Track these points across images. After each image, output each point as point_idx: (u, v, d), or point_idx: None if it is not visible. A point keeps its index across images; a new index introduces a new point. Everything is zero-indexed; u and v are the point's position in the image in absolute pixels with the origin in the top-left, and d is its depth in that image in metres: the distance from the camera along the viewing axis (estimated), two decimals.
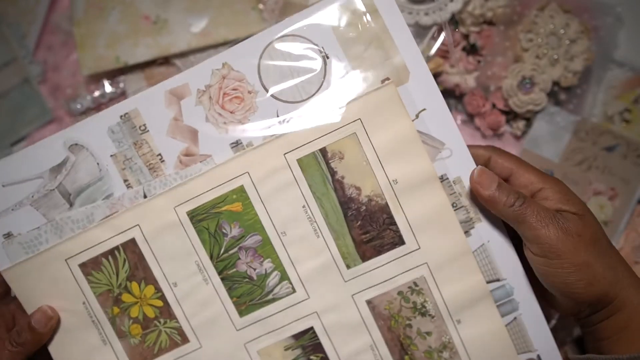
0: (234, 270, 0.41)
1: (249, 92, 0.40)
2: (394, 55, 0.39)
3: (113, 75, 0.58)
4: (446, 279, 0.40)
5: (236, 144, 0.40)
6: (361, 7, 0.39)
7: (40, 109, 0.59)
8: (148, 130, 0.40)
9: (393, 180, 0.39)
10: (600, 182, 0.57)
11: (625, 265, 0.37)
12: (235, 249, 0.41)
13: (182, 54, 0.58)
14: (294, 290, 0.41)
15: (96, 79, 0.58)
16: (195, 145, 0.40)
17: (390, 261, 0.40)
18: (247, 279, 0.41)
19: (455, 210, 0.40)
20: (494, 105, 0.58)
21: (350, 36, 0.39)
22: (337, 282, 0.41)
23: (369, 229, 0.40)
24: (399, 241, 0.40)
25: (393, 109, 0.39)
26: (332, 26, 0.39)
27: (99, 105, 0.59)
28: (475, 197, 0.39)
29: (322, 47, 0.40)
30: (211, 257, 0.41)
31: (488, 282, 0.40)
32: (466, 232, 0.40)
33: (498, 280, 0.40)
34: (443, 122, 0.39)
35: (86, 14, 0.57)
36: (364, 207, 0.40)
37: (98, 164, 0.40)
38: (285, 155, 0.39)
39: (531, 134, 0.58)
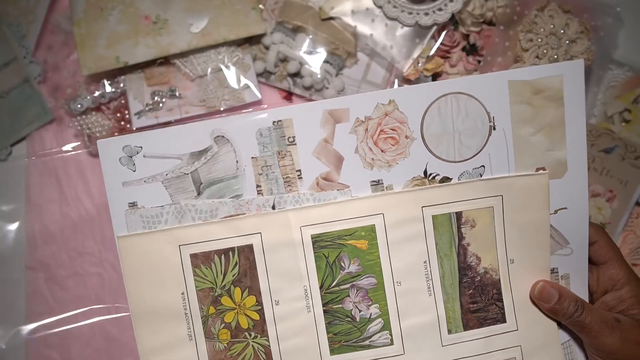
0: (340, 306, 0.41)
1: (406, 137, 0.40)
2: (559, 148, 0.40)
3: (113, 75, 0.58)
4: None
5: (377, 183, 0.40)
6: (547, 90, 0.39)
7: (40, 109, 0.59)
8: (295, 143, 0.40)
9: (510, 260, 0.41)
10: (599, 184, 0.57)
11: None
12: (348, 286, 0.40)
13: (182, 54, 0.58)
14: (391, 343, 0.41)
15: (96, 79, 0.58)
16: (337, 172, 0.40)
17: (489, 336, 0.41)
18: (349, 318, 0.41)
19: None
20: None
21: (524, 115, 0.40)
22: (435, 344, 0.41)
23: (478, 299, 0.41)
24: (501, 318, 0.41)
25: (537, 199, 0.40)
26: (511, 99, 0.39)
27: (99, 106, 0.59)
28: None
29: (494, 117, 0.40)
30: (321, 287, 0.40)
31: None
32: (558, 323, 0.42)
33: None
34: (577, 225, 0.40)
35: (86, 14, 0.57)
36: (479, 278, 0.41)
37: (237, 162, 0.40)
38: (423, 208, 0.40)
39: None
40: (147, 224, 0.39)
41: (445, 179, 0.40)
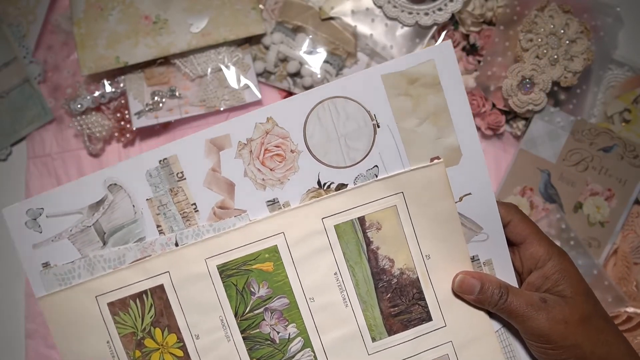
0: (257, 330, 0.40)
1: (292, 151, 0.39)
2: (448, 134, 0.38)
3: (113, 75, 0.58)
4: (469, 358, 0.40)
5: (272, 202, 0.40)
6: (423, 79, 0.38)
7: (40, 109, 0.59)
8: (185, 178, 0.39)
9: (426, 256, 0.40)
10: (597, 183, 0.57)
11: (620, 338, 0.39)
12: (261, 310, 0.40)
13: (182, 54, 0.58)
14: (315, 359, 0.40)
15: (96, 79, 0.58)
16: (231, 199, 0.40)
17: (416, 337, 0.40)
18: (269, 342, 0.40)
19: None
20: (494, 105, 0.58)
21: (405, 107, 0.38)
22: (361, 354, 0.40)
23: (398, 302, 0.40)
24: (427, 317, 0.40)
25: (438, 189, 0.39)
26: (388, 93, 0.38)
27: (99, 106, 0.59)
28: None
29: (375, 115, 0.39)
30: (235, 315, 0.40)
31: None
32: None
33: None
34: (486, 208, 0.39)
35: (86, 14, 0.57)
36: (395, 280, 0.40)
37: (134, 206, 0.40)
38: (323, 220, 0.39)
39: (528, 134, 0.58)
40: (62, 281, 0.40)
41: (341, 186, 0.39)
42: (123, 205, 0.40)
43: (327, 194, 0.39)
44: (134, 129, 0.57)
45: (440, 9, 0.57)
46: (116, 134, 0.59)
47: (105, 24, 0.57)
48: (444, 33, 0.58)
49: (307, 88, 0.59)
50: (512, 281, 0.40)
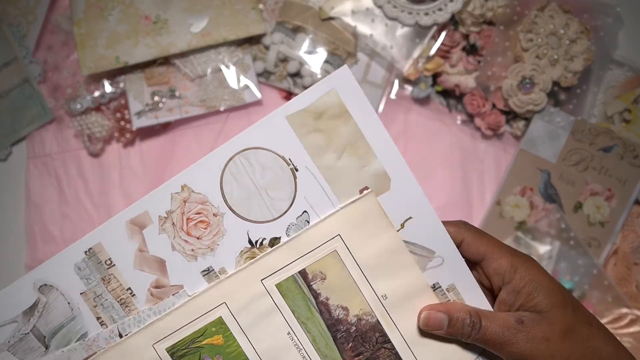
0: None
1: (215, 215, 0.37)
2: (371, 161, 0.36)
3: (113, 75, 0.58)
4: None
5: (208, 272, 0.38)
6: (329, 111, 0.36)
7: (40, 109, 0.59)
8: (114, 264, 0.38)
9: (382, 296, 0.37)
10: (597, 183, 0.57)
11: (607, 339, 0.37)
12: None
13: (182, 54, 0.58)
14: None
15: (96, 79, 0.58)
16: (165, 276, 0.38)
17: None
18: None
19: None
20: (494, 105, 0.58)
21: (319, 144, 0.36)
22: None
23: (362, 349, 0.38)
24: (396, 359, 0.38)
25: (375, 221, 0.36)
26: (297, 133, 0.36)
27: (99, 106, 0.59)
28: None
29: (290, 159, 0.37)
30: None
31: None
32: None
33: None
34: (432, 229, 0.37)
35: (86, 14, 0.57)
36: (353, 328, 0.38)
37: (69, 303, 0.38)
38: (263, 281, 0.37)
39: (528, 134, 0.58)
40: None
41: (274, 240, 0.37)
42: (58, 304, 0.38)
43: (262, 252, 0.37)
44: (134, 129, 0.57)
45: (440, 9, 0.57)
46: (116, 134, 0.59)
47: (105, 24, 0.57)
48: (444, 33, 0.58)
49: (307, 88, 0.59)
50: (483, 302, 0.38)
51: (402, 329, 0.38)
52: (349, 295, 0.37)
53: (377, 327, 0.38)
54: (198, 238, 0.38)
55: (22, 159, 0.60)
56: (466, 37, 0.58)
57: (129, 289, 0.39)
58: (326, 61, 0.58)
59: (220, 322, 0.38)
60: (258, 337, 0.38)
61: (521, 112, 0.57)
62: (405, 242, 0.37)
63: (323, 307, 0.38)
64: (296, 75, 0.59)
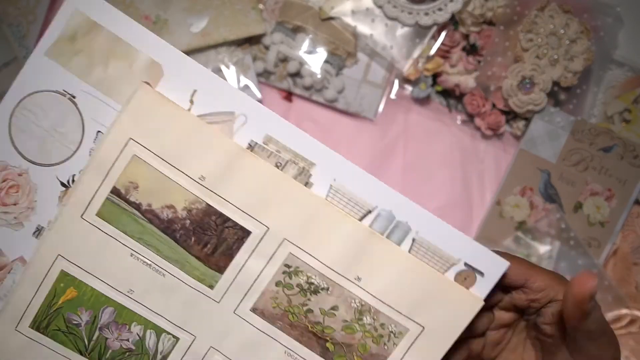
0: (110, 352, 0.38)
1: (20, 175, 0.37)
2: (136, 57, 0.35)
3: None
4: (315, 241, 0.36)
5: (38, 231, 0.37)
6: (80, 30, 0.36)
7: None
8: None
9: (200, 178, 0.36)
10: (597, 183, 0.57)
11: None
12: (97, 333, 0.38)
13: None
14: (177, 338, 0.38)
15: None
16: (3, 255, 0.38)
17: (248, 258, 0.36)
18: (127, 353, 0.38)
19: (282, 169, 0.35)
20: (494, 105, 0.58)
21: (83, 64, 0.36)
22: (212, 307, 0.37)
23: (206, 238, 0.37)
24: (244, 233, 0.36)
25: (160, 109, 0.35)
26: (60, 63, 0.36)
27: None
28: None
29: (64, 90, 0.36)
30: (81, 353, 0.38)
31: (361, 219, 0.35)
32: (307, 184, 0.35)
33: (369, 212, 0.36)
34: (222, 92, 0.35)
35: None
36: (188, 222, 0.36)
37: None
38: (83, 217, 0.36)
39: (528, 134, 0.58)
40: None
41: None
42: None
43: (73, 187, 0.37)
44: None
45: (440, 9, 0.57)
46: None
47: None
48: (444, 33, 0.58)
49: (307, 88, 0.59)
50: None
51: (235, 201, 0.36)
52: (168, 192, 0.36)
53: (209, 210, 0.36)
54: (15, 204, 0.37)
55: None
56: (466, 37, 0.58)
57: None
58: (326, 61, 0.58)
59: (64, 275, 0.37)
60: (106, 272, 0.37)
61: (521, 112, 0.57)
62: (200, 116, 0.35)
63: (150, 215, 0.36)
64: (296, 75, 0.59)
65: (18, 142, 0.37)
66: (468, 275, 0.36)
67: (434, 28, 0.58)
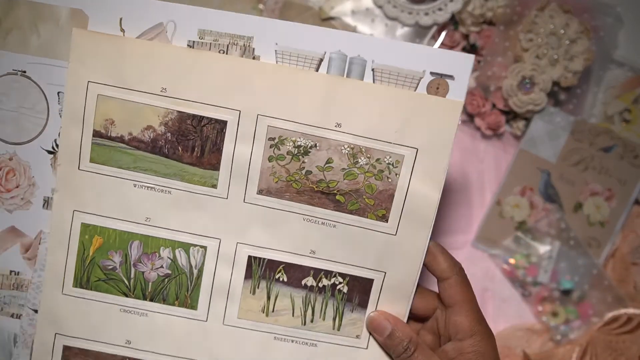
0: (150, 284, 0.40)
1: (10, 159, 0.40)
2: (58, 12, 0.38)
3: None
4: (286, 106, 0.38)
5: (46, 202, 0.40)
6: (0, 12, 0.38)
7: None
8: None
9: (162, 91, 0.38)
10: (597, 183, 0.57)
11: None
12: (133, 270, 0.39)
13: None
14: (204, 247, 0.39)
15: None
16: (25, 236, 0.41)
17: (234, 146, 0.38)
18: (166, 279, 0.40)
19: (227, 53, 0.38)
20: (494, 105, 0.58)
21: (18, 39, 0.39)
22: (222, 205, 0.39)
23: (191, 142, 0.38)
24: (221, 124, 0.38)
25: (101, 45, 0.38)
26: None
27: None
28: None
29: (13, 69, 0.39)
30: (126, 295, 0.40)
31: (317, 70, 0.38)
32: (255, 58, 0.38)
33: (321, 60, 0.38)
34: (145, 9, 0.38)
35: None
36: (169, 134, 0.38)
37: None
38: (80, 168, 0.39)
39: (528, 134, 0.58)
40: None
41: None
42: None
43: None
44: None
45: (440, 9, 0.57)
46: None
47: None
48: (444, 33, 0.58)
49: None
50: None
51: (199, 99, 0.38)
52: (141, 115, 0.38)
53: (182, 116, 0.38)
54: (17, 187, 0.40)
55: None
56: (466, 37, 0.58)
57: (11, 271, 0.41)
58: None
59: (85, 227, 0.39)
60: (120, 210, 0.39)
61: (521, 112, 0.57)
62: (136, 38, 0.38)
63: (135, 142, 0.38)
64: None
65: None
66: (439, 83, 0.37)
67: (434, 28, 0.58)
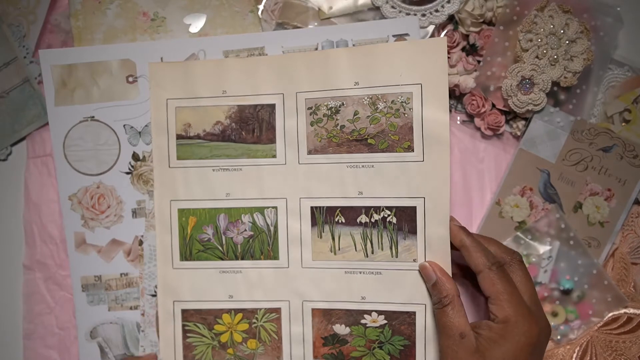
0: (239, 246, 0.48)
1: (98, 187, 0.52)
2: (109, 66, 0.53)
3: None
4: (314, 80, 0.49)
5: (134, 212, 0.52)
6: (62, 76, 0.52)
7: (40, 109, 0.59)
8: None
9: (223, 93, 0.49)
10: (597, 183, 0.57)
11: None
12: (224, 237, 0.49)
13: None
14: (274, 207, 0.48)
15: None
16: (125, 243, 0.53)
17: (283, 122, 0.50)
18: (250, 240, 0.48)
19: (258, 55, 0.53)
20: (493, 105, 0.58)
21: (83, 95, 0.52)
22: (283, 170, 0.48)
23: (251, 126, 0.49)
24: (270, 107, 0.49)
25: (172, 69, 0.51)
26: (66, 104, 0.53)
27: None
28: None
29: (83, 117, 0.53)
30: (222, 259, 0.49)
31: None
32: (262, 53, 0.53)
33: (316, 48, 0.52)
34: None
35: (84, 6, 0.57)
36: (233, 124, 0.49)
37: None
38: (170, 166, 0.50)
39: (528, 134, 0.58)
40: None
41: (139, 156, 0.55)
42: None
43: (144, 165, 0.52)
44: None
45: (437, 10, 0.57)
46: None
47: (103, 17, 0.56)
48: (443, 33, 0.58)
49: None
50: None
51: (250, 92, 0.50)
52: (210, 115, 0.49)
53: (241, 108, 0.49)
54: (108, 207, 0.52)
55: (22, 158, 0.60)
56: (466, 37, 0.58)
57: (121, 274, 0.52)
58: None
59: (181, 212, 0.50)
60: (205, 192, 0.50)
61: (521, 112, 0.57)
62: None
63: (209, 137, 0.50)
64: None
65: (81, 168, 0.53)
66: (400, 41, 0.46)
67: (433, 28, 0.58)
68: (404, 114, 0.46)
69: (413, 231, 0.46)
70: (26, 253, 0.58)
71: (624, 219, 0.57)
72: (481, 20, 0.58)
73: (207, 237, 0.49)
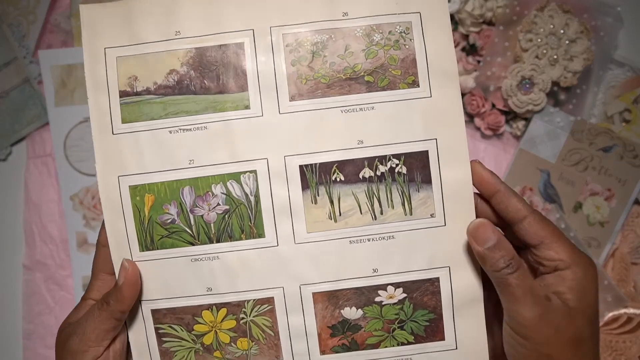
0: (212, 225, 0.39)
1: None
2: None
3: None
4: (292, 9, 0.39)
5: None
6: (63, 77, 0.50)
7: (40, 109, 0.59)
8: None
9: (176, 34, 0.40)
10: (597, 183, 0.57)
11: None
12: (191, 216, 0.39)
13: None
14: (253, 171, 0.39)
15: None
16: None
17: (255, 61, 0.40)
18: (226, 215, 0.39)
19: None
20: (493, 106, 0.58)
21: (83, 93, 0.46)
22: (260, 122, 0.39)
23: (215, 72, 0.41)
24: (238, 47, 0.40)
25: (106, 11, 0.40)
26: (66, 104, 0.52)
27: None
28: None
29: (83, 117, 0.54)
30: (193, 244, 0.39)
31: None
32: None
33: None
34: None
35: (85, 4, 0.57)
36: (192, 72, 0.40)
37: None
38: (114, 133, 0.39)
39: (528, 134, 0.58)
40: None
41: None
42: None
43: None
44: None
45: None
46: None
47: None
48: None
49: None
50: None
51: (211, 31, 0.39)
52: (162, 62, 0.39)
53: (200, 51, 0.39)
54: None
55: (22, 159, 0.60)
56: (466, 37, 0.58)
57: None
58: None
59: (133, 189, 0.39)
60: (162, 161, 0.39)
61: (521, 112, 0.57)
62: None
63: (161, 90, 0.39)
64: None
65: (82, 169, 0.53)
66: None
67: None
68: (405, 45, 0.39)
69: (427, 180, 0.38)
70: (26, 253, 0.58)
71: (624, 219, 0.57)
72: (481, 20, 0.58)
73: (171, 219, 0.39)
